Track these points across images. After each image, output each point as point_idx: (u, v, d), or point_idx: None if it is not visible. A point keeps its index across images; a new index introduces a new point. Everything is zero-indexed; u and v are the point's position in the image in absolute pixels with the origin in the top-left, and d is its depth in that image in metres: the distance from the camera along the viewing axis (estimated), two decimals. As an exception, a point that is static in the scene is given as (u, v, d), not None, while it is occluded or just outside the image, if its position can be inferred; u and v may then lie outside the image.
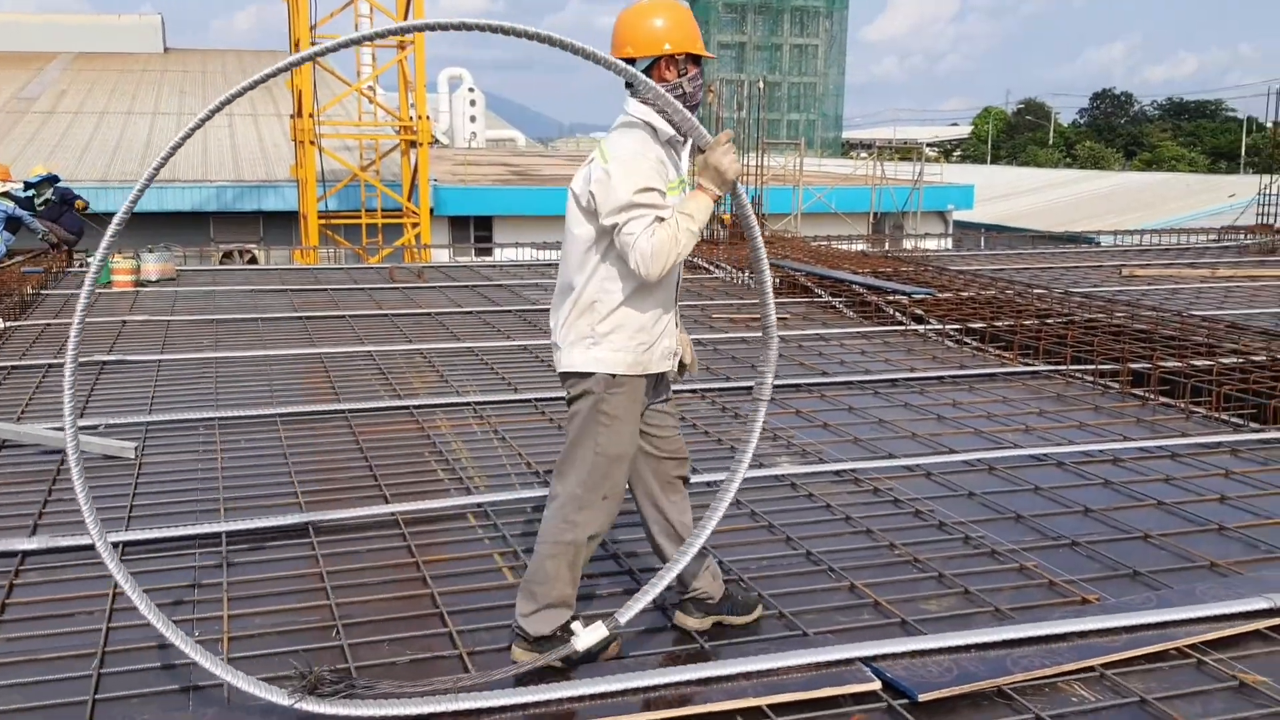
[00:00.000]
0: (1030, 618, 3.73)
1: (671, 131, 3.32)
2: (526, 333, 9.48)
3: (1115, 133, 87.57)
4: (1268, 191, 18.50)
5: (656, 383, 3.50)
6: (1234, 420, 6.45)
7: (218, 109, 3.16)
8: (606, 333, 3.33)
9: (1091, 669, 3.40)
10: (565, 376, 3.45)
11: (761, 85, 18.37)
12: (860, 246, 18.27)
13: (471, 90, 44.77)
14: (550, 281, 12.83)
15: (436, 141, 33.11)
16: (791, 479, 5.31)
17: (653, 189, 3.21)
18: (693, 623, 3.72)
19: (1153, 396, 6.98)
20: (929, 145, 39.87)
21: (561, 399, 6.93)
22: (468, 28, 3.17)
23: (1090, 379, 7.49)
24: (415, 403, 6.84)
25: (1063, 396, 7.06)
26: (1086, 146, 74.55)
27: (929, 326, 9.36)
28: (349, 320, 10.07)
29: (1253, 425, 6.32)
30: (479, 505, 4.99)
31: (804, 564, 4.28)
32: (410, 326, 9.79)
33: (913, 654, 3.45)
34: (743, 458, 3.48)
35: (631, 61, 3.33)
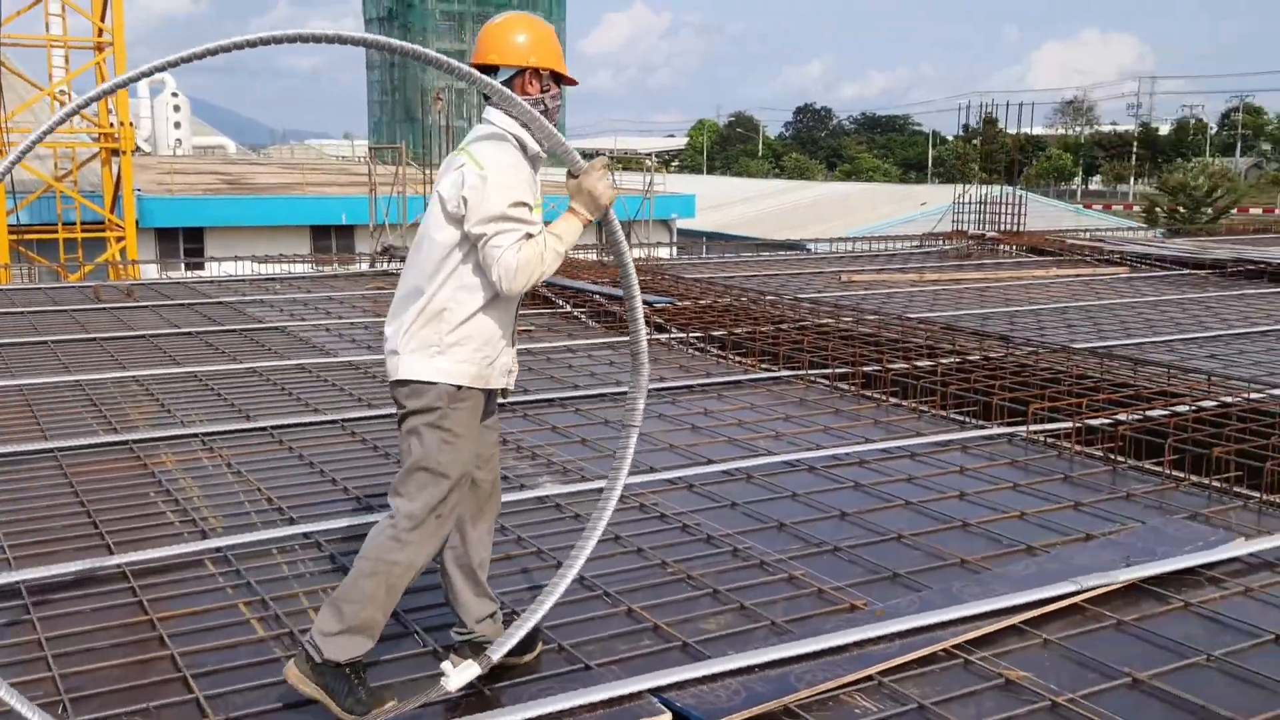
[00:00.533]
0: (806, 629, 3.76)
1: (536, 148, 3.28)
2: (255, 353, 8.88)
3: (818, 145, 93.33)
4: (961, 200, 20.07)
5: (487, 400, 3.40)
6: (960, 418, 6.85)
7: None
8: (453, 343, 3.22)
9: (870, 678, 3.45)
10: (400, 385, 3.27)
11: (449, 94, 18.15)
12: (593, 256, 18.40)
13: (175, 95, 42.16)
14: (276, 297, 12.13)
15: (138, 149, 30.83)
16: (556, 499, 5.18)
17: (524, 203, 3.17)
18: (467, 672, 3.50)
19: (885, 398, 7.33)
20: (650, 155, 40.96)
21: (306, 426, 6.58)
22: (315, 39, 2.92)
23: (827, 383, 7.79)
24: (134, 436, 6.21)
25: (805, 401, 7.29)
26: (793, 158, 78.95)
27: (672, 335, 9.48)
28: (51, 346, 9.09)
29: (977, 422, 6.73)
30: (217, 550, 4.54)
31: (578, 589, 4.14)
32: (122, 351, 8.94)
33: (700, 680, 3.39)
34: (615, 483, 3.39)
35: (494, 70, 3.29)
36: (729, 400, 7.29)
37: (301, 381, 7.84)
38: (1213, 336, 9.73)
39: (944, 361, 7.93)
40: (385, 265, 15.18)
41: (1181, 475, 5.66)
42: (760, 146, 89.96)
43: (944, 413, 6.94)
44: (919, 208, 36.69)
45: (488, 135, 3.29)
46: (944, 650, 3.63)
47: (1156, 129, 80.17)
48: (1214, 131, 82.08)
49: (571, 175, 3.22)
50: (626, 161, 37.64)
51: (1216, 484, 5.48)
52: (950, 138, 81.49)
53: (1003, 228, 19.39)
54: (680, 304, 10.44)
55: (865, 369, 7.79)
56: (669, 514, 5.00)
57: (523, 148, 3.27)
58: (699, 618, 3.92)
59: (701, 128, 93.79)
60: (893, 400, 7.30)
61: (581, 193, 3.20)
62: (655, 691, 3.31)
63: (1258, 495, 5.32)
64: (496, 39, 3.33)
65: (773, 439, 6.31)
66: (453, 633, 3.56)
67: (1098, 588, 4.08)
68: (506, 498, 5.01)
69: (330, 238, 25.56)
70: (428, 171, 16.65)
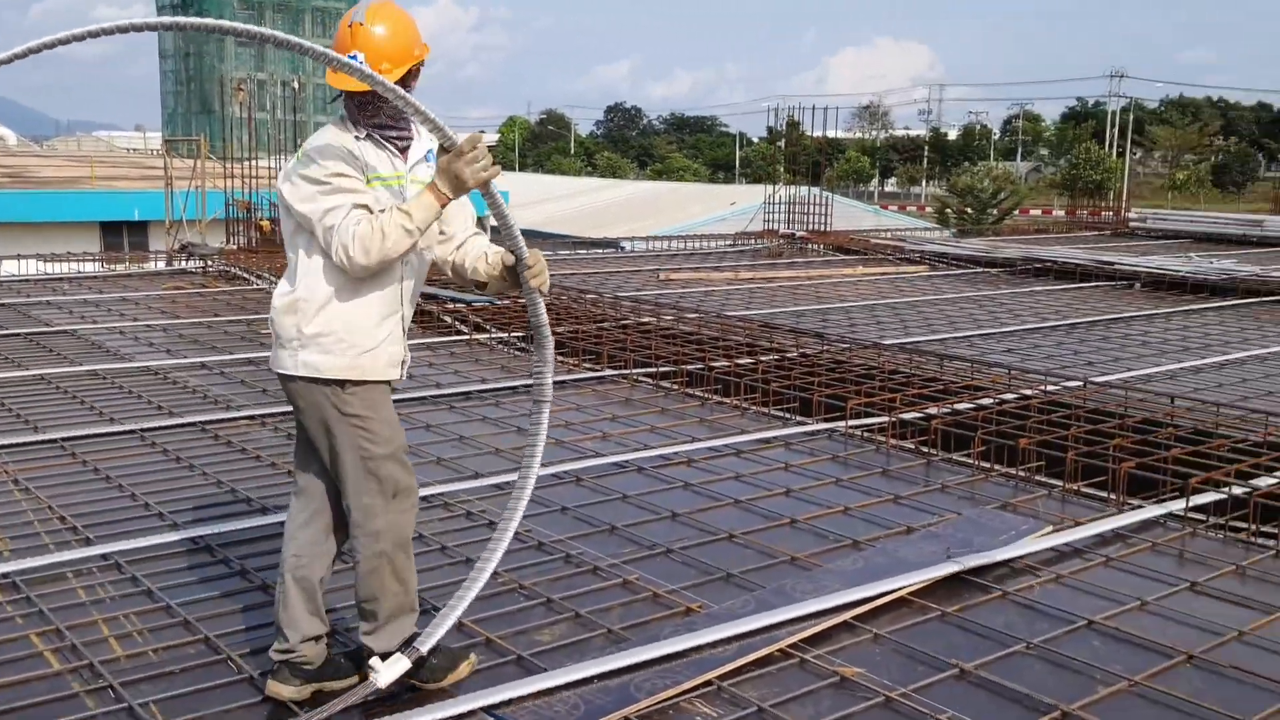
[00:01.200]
0: (644, 636, 3.70)
1: (366, 129, 3.21)
2: (42, 359, 8.22)
3: (628, 144, 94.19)
4: (771, 200, 20.57)
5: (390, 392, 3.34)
6: (782, 415, 6.96)
7: None
8: (314, 335, 3.16)
9: (709, 683, 3.43)
10: (281, 381, 3.27)
11: (297, 85, 17.47)
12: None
13: (-57, 78, 38.87)
14: (65, 298, 11.32)
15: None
16: (443, 498, 4.98)
17: (342, 174, 3.10)
18: (288, 692, 3.30)
19: (709, 396, 7.39)
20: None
21: (100, 437, 6.09)
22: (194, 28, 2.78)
23: (651, 382, 7.79)
24: (-100, 454, 5.63)
25: (630, 400, 7.27)
26: (605, 156, 79.35)
27: (492, 335, 9.31)
28: None
29: (798, 418, 6.86)
30: (4, 576, 4.15)
31: (406, 605, 3.96)
32: (-117, 358, 8.13)
33: (536, 695, 3.29)
34: (530, 467, 3.44)
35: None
36: (554, 401, 7.18)
37: (94, 389, 7.30)
38: (1008, 332, 10.25)
39: (764, 359, 8.06)
40: (183, 263, 14.39)
41: (989, 466, 5.90)
42: (572, 144, 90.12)
43: (766, 410, 7.04)
44: (729, 207, 37.39)
45: (321, 130, 3.27)
46: (780, 650, 3.64)
47: (946, 134, 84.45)
48: (997, 137, 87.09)
49: (444, 150, 3.09)
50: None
51: (1023, 474, 5.74)
52: (756, 139, 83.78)
53: (810, 227, 19.98)
54: (499, 302, 10.27)
55: (688, 367, 7.83)
56: (498, 521, 4.85)
57: (350, 125, 3.21)
58: (533, 629, 3.81)
59: (513, 124, 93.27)
60: (716, 398, 7.36)
61: (446, 172, 3.07)
62: (489, 710, 3.20)
63: (1059, 484, 5.59)
64: (394, 40, 3.18)
65: (600, 440, 6.25)
66: (271, 652, 3.34)
67: (922, 580, 4.19)
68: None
69: (122, 235, 24.07)
70: (229, 165, 15.84)
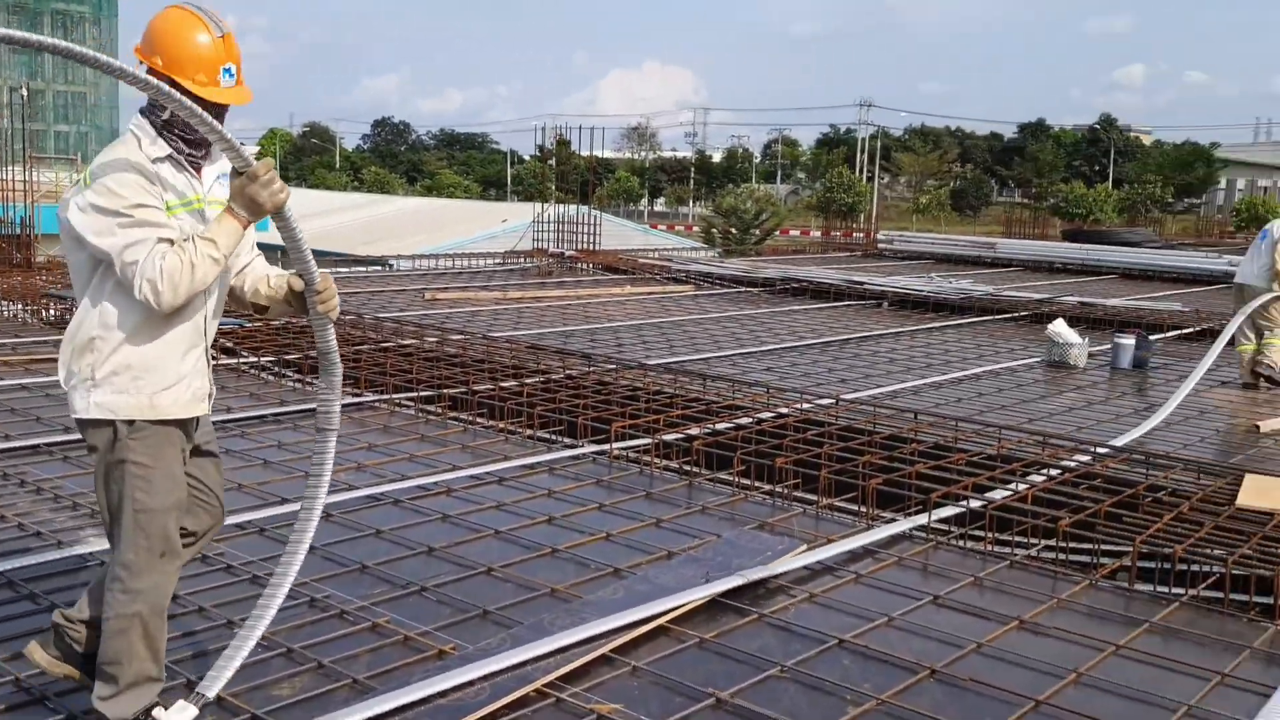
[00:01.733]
0: (391, 683, 3.50)
1: (168, 150, 3.02)
2: None
3: (397, 159, 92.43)
4: (540, 218, 20.54)
5: (197, 426, 3.19)
6: (548, 438, 6.86)
7: None
8: (109, 374, 2.99)
9: (462, 730, 3.26)
10: (79, 424, 3.08)
11: (25, 92, 16.10)
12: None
13: None
14: None
15: None
16: (100, 557, 4.53)
17: (143, 205, 2.90)
18: (42, 658, 3.22)
19: (473, 421, 7.20)
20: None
21: None
22: None
23: (412, 407, 7.53)
24: None
25: (389, 428, 7.00)
26: (372, 171, 77.49)
27: (242, 360, 8.80)
28: None
29: (566, 441, 6.78)
30: None
31: (127, 665, 3.60)
32: None
33: (270, 757, 3.03)
34: (316, 496, 3.34)
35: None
36: (306, 430, 6.83)
37: None
38: (768, 350, 10.56)
39: (529, 381, 7.95)
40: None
41: (749, 485, 5.99)
42: (337, 158, 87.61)
43: (532, 434, 6.93)
44: (501, 225, 37.19)
45: (108, 149, 3.03)
46: (535, 691, 3.51)
47: (710, 156, 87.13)
48: (759, 160, 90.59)
49: (237, 173, 2.96)
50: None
51: (779, 493, 5.85)
52: (528, 157, 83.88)
53: (580, 246, 20.08)
54: (249, 325, 9.74)
55: (451, 391, 7.62)
56: (236, 564, 4.53)
57: (144, 142, 3.00)
58: (270, 683, 3.54)
59: (274, 137, 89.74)
60: (481, 423, 7.18)
61: (242, 195, 2.95)
62: (219, 779, 2.92)
63: (814, 501, 5.73)
64: (165, 34, 3.01)
65: (354, 471, 5.97)
66: (55, 614, 3.26)
67: (681, 607, 4.17)
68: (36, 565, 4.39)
69: None
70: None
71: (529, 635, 3.83)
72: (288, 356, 8.64)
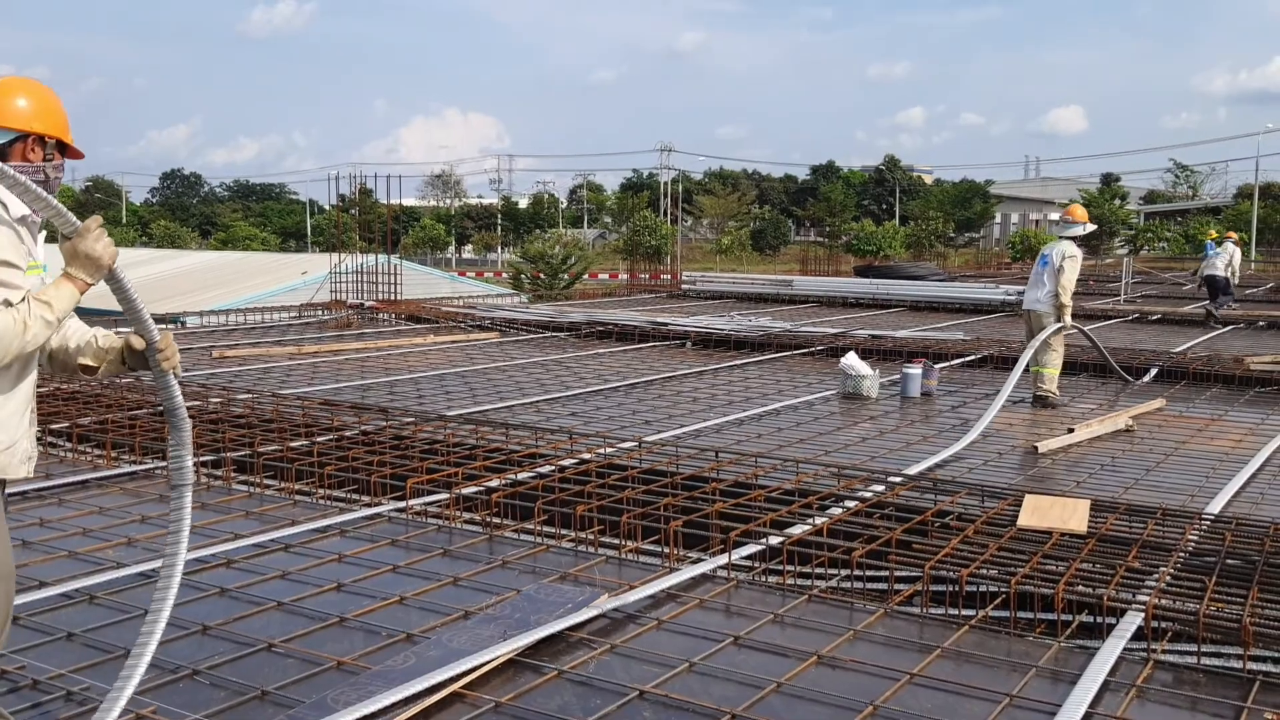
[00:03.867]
0: (155, 782, 3.19)
1: (25, 210, 3.03)
2: None
3: (189, 212, 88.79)
4: (338, 269, 19.96)
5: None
6: (342, 499, 6.56)
7: None
8: None
9: (232, 828, 2.99)
10: None
11: None
12: None
13: None
14: None
15: None
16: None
17: (10, 264, 2.92)
18: None
19: (260, 485, 6.82)
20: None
21: None
22: None
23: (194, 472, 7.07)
24: None
25: (165, 497, 6.53)
26: (162, 225, 74.08)
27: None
28: None
29: (363, 500, 6.48)
30: None
31: None
32: None
33: None
34: (176, 554, 3.34)
35: None
36: (72, 506, 6.31)
37: None
38: (573, 395, 10.48)
39: (320, 439, 7.61)
40: None
41: (551, 535, 5.86)
42: (124, 213, 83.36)
43: (324, 495, 6.60)
44: (300, 276, 36.05)
45: None
46: (317, 775, 3.27)
47: (517, 202, 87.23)
48: (565, 205, 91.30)
49: (65, 238, 2.99)
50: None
51: (583, 540, 5.74)
52: (328, 206, 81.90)
53: (381, 296, 19.61)
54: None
55: (235, 454, 7.20)
56: (73, 633, 4.08)
57: (4, 207, 3.01)
58: (14, 795, 3.17)
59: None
60: (269, 488, 6.80)
61: (79, 256, 2.97)
62: None
63: (617, 548, 5.65)
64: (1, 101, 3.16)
65: (125, 547, 5.53)
66: None
67: (476, 669, 3.99)
68: None
69: None
70: None
71: (309, 715, 3.58)
72: (53, 425, 8.00)
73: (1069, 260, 10.13)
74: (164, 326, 3.23)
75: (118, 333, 3.38)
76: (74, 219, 2.99)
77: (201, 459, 7.18)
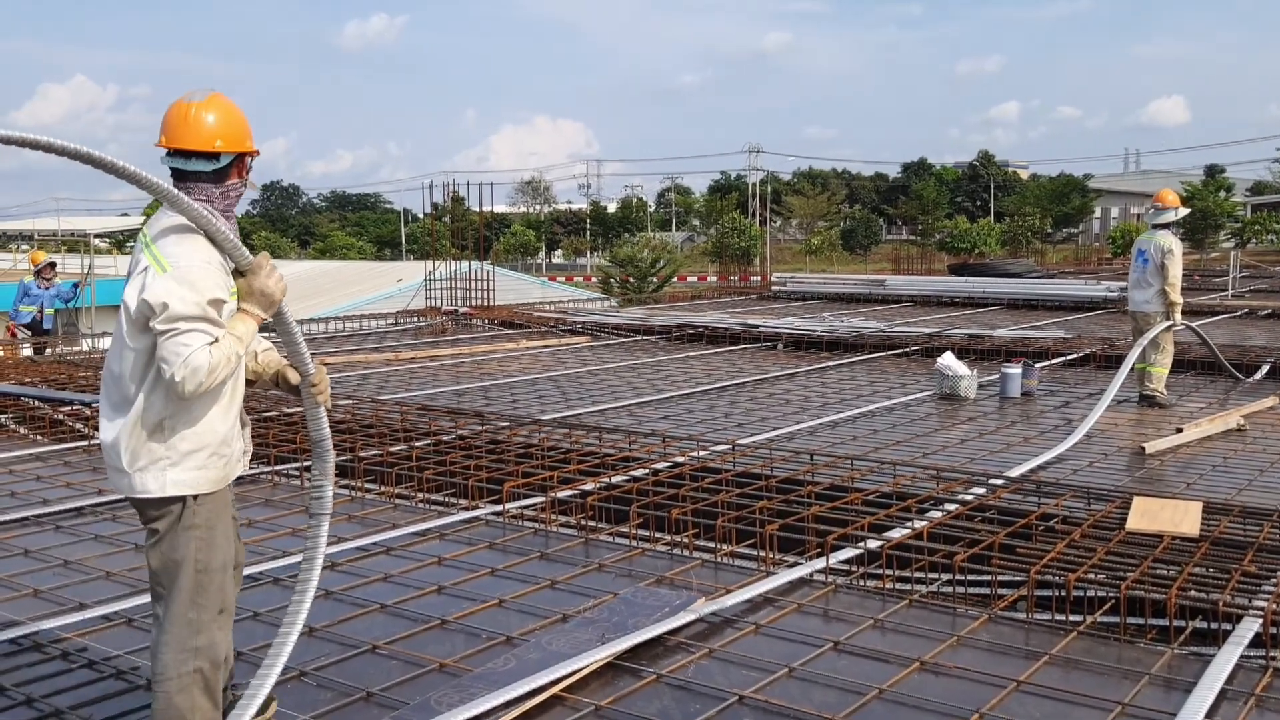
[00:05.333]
0: (267, 780, 3.27)
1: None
2: None
3: (288, 223, 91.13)
4: (432, 276, 20.30)
5: None
6: (440, 503, 6.65)
7: None
8: (188, 451, 3.09)
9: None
10: (139, 501, 3.15)
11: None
12: (28, 351, 16.17)
13: None
14: None
15: None
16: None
17: (223, 301, 3.05)
18: None
19: (361, 489, 6.96)
20: (99, 236, 37.50)
21: None
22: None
23: (297, 478, 7.25)
24: None
25: (271, 501, 6.71)
26: (262, 236, 76.13)
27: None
28: None
29: (461, 504, 6.57)
30: None
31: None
32: None
33: None
34: (310, 580, 3.44)
35: (209, 156, 3.20)
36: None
37: None
38: (665, 398, 10.49)
39: (419, 444, 7.73)
40: None
41: (646, 538, 5.86)
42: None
43: (423, 499, 6.71)
44: (396, 284, 36.77)
45: (173, 228, 3.11)
46: (422, 776, 3.32)
47: (605, 207, 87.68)
48: (653, 209, 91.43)
49: (239, 273, 3.12)
50: (72, 243, 34.06)
51: (678, 543, 5.73)
52: (422, 215, 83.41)
53: (474, 302, 19.88)
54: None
55: (337, 459, 7.34)
56: (99, 660, 4.23)
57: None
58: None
59: (157, 204, 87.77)
60: (369, 492, 6.94)
61: (253, 292, 3.11)
62: None
63: (713, 551, 5.63)
64: (227, 122, 3.23)
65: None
66: None
67: (575, 673, 4.01)
68: None
69: None
70: None
71: (414, 716, 3.64)
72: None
73: (1169, 256, 9.79)
74: (267, 335, 3.32)
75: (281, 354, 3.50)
76: (248, 254, 3.09)
77: (306, 464, 7.36)
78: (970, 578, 5.33)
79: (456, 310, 19.35)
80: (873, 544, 5.46)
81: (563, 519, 6.27)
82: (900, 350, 14.09)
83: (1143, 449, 7.90)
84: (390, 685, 4.00)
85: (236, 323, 3.11)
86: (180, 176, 3.24)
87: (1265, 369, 11.89)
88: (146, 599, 4.87)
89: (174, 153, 3.22)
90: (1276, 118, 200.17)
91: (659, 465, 7.13)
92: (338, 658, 4.28)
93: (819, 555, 5.44)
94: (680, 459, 7.26)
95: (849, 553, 5.47)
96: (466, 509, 6.47)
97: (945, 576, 5.29)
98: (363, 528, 6.13)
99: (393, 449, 7.62)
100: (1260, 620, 4.34)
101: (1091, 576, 4.86)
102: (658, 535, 5.97)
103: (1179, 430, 8.38)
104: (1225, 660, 4.06)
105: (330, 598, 4.98)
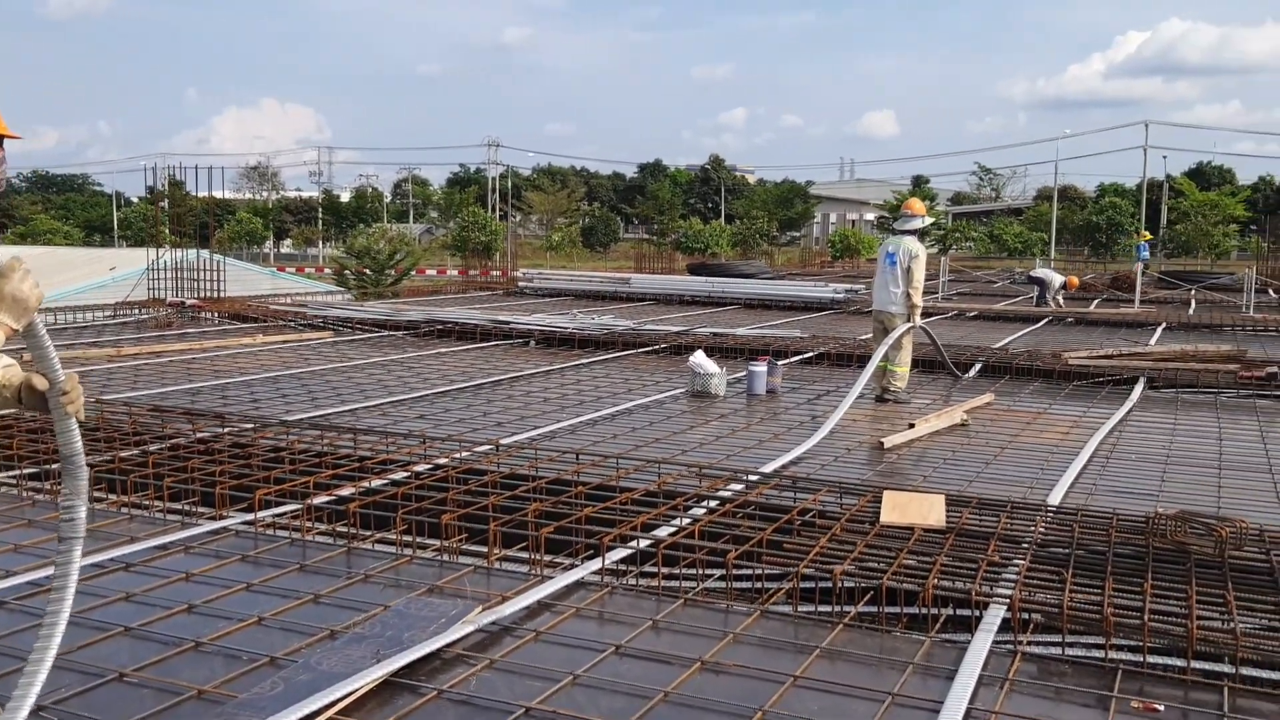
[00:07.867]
0: (4, 838, 2.89)
1: None
2: None
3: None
4: (155, 265, 18.92)
5: None
6: (181, 512, 6.16)
7: None
8: None
9: None
10: None
11: None
12: None
13: None
14: None
15: None
16: None
17: None
18: None
19: (92, 499, 6.33)
20: None
21: None
22: None
23: (15, 487, 6.53)
24: None
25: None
26: (-50, 216, 68.79)
27: None
28: None
29: (206, 514, 6.11)
30: None
31: None
32: None
33: None
34: (59, 613, 3.29)
35: None
36: (-127, 528, 5.73)
37: None
38: (419, 397, 10.21)
39: (153, 449, 7.15)
40: None
41: (413, 545, 5.65)
42: (-97, 203, 77.08)
43: (162, 509, 6.20)
44: (109, 273, 34.17)
45: None
46: (190, 819, 3.03)
47: (338, 196, 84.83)
48: (389, 200, 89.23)
49: None
50: None
51: (447, 549, 5.56)
52: (136, 199, 77.96)
53: (202, 294, 18.71)
54: None
55: (55, 466, 6.68)
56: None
57: None
58: None
59: None
60: (100, 501, 6.34)
61: (4, 299, 2.72)
62: None
63: (484, 556, 5.50)
64: None
65: (-58, 573, 5.04)
66: None
67: (350, 694, 3.79)
68: None
69: None
70: None
71: (176, 753, 3.32)
72: None
73: (915, 260, 10.44)
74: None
75: (23, 367, 3.07)
76: None
77: (25, 471, 6.65)
78: (736, 573, 5.45)
79: (183, 302, 18.15)
80: (645, 543, 5.49)
81: (321, 527, 5.95)
82: (650, 348, 14.35)
83: (881, 444, 8.37)
84: (144, 717, 3.64)
85: None
86: None
87: (978, 366, 12.91)
88: None
89: None
90: (974, 133, 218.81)
91: (420, 468, 6.91)
92: (80, 688, 3.86)
93: (592, 556, 5.41)
94: (443, 460, 7.06)
95: (622, 553, 5.47)
96: (213, 519, 6.02)
97: (717, 573, 5.39)
98: (95, 541, 5.57)
99: (124, 454, 7.01)
100: (1006, 607, 4.67)
101: (853, 569, 5.07)
102: (425, 541, 5.77)
103: (911, 425, 8.94)
104: (980, 647, 4.32)
105: (68, 622, 4.48)
